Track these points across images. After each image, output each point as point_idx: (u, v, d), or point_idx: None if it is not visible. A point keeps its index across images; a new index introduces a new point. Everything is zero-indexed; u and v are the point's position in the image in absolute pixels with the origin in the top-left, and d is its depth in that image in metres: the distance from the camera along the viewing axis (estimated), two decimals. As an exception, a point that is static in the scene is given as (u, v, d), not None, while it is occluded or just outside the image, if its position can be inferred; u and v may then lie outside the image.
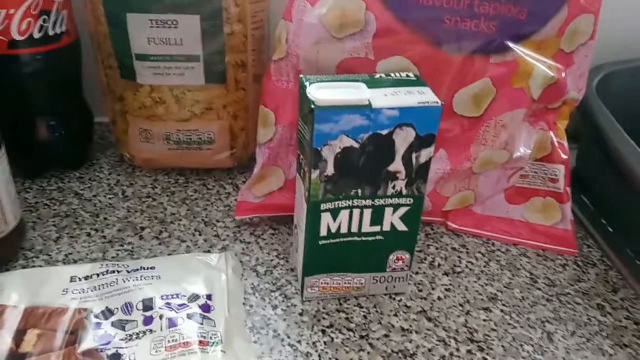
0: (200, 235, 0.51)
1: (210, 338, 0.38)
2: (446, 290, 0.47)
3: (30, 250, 0.48)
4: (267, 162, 0.50)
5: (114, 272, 0.42)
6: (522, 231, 0.54)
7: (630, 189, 0.48)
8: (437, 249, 0.52)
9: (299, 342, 0.41)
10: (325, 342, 0.42)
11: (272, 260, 0.49)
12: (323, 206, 0.40)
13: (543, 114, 0.51)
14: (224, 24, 0.51)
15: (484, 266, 0.50)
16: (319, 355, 0.40)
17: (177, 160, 0.57)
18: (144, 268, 0.43)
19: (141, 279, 0.42)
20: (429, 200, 0.52)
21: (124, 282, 0.41)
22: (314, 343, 0.41)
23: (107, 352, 0.36)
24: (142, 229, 0.51)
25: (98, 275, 0.42)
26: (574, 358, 0.42)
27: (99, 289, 0.41)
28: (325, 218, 0.40)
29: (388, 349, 0.41)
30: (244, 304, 0.44)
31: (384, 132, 0.37)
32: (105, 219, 0.52)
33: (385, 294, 0.46)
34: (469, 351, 0.42)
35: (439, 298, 0.46)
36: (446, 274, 0.49)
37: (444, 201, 0.53)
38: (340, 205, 0.40)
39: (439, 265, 0.50)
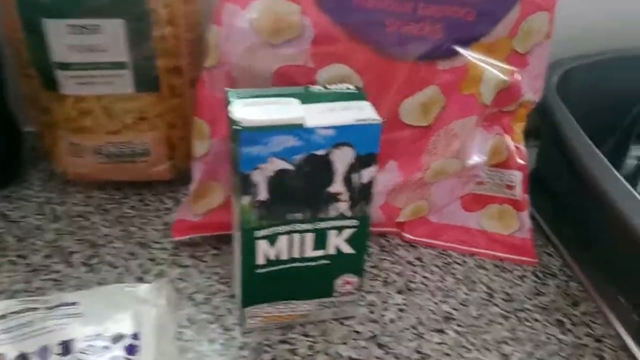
0: (134, 259, 0.47)
1: (134, 386, 0.34)
2: (399, 310, 0.44)
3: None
4: (204, 177, 0.46)
5: (32, 309, 0.38)
6: (480, 240, 0.51)
7: (587, 191, 0.46)
8: (392, 263, 0.49)
9: (238, 381, 0.38)
10: (266, 378, 0.38)
11: (211, 286, 0.45)
12: (257, 233, 0.36)
13: (498, 117, 0.49)
14: (153, 27, 0.47)
15: (440, 281, 0.48)
16: (259, 395, 0.37)
17: (111, 174, 0.53)
18: (65, 304, 0.39)
19: (62, 318, 0.37)
20: (381, 212, 0.49)
21: (43, 321, 0.37)
22: (254, 380, 0.38)
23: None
24: (71, 254, 0.47)
25: (14, 313, 0.38)
26: (531, 382, 0.40)
27: (14, 330, 0.37)
28: (262, 246, 0.37)
29: (335, 383, 0.38)
30: (178, 338, 0.40)
31: (320, 152, 0.34)
32: (32, 243, 0.48)
33: (334, 319, 0.43)
34: (421, 381, 0.39)
35: (391, 320, 0.44)
36: (400, 292, 0.46)
37: (396, 212, 0.49)
38: (277, 231, 0.37)
39: (393, 282, 0.47)
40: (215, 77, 0.43)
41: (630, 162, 0.61)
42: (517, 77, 0.45)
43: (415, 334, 0.43)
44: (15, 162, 0.56)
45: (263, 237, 0.37)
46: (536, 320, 0.44)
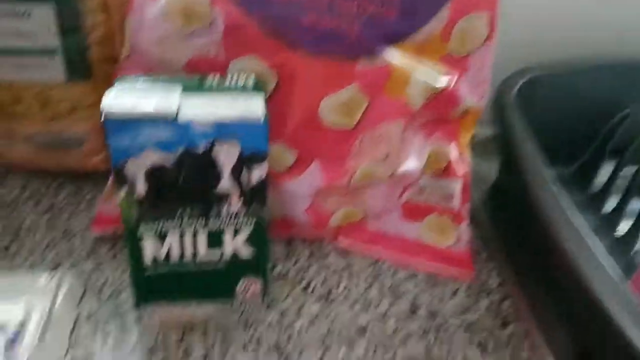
0: (51, 250, 0.46)
1: (0, 378, 0.33)
2: (312, 320, 0.42)
3: None
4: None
5: None
6: (416, 251, 0.49)
7: (535, 221, 0.43)
8: (318, 270, 0.47)
9: (121, 383, 0.37)
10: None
11: (123, 281, 0.44)
12: (142, 231, 0.35)
13: (439, 124, 0.46)
14: (85, 15, 0.46)
15: (364, 291, 0.45)
16: (138, 398, 0.36)
17: (45, 163, 0.52)
18: (-44, 291, 0.38)
19: (-54, 305, 0.37)
20: (308, 215, 0.47)
21: None
22: (137, 382, 0.37)
23: None
24: (-9, 240, 0.47)
25: None
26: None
27: None
28: (148, 244, 0.35)
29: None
30: (72, 332, 0.39)
31: (200, 148, 0.32)
32: (-48, 226, 0.48)
33: (240, 324, 0.41)
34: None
35: (300, 330, 0.41)
36: (319, 300, 0.44)
37: (327, 216, 0.47)
38: (164, 230, 0.35)
39: (314, 290, 0.45)
40: (132, 69, 0.41)
41: (599, 180, 0.58)
42: (453, 82, 0.42)
43: (321, 345, 0.40)
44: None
45: (149, 235, 0.35)
46: (457, 339, 0.42)
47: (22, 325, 0.36)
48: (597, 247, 0.37)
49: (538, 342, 0.41)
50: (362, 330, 0.42)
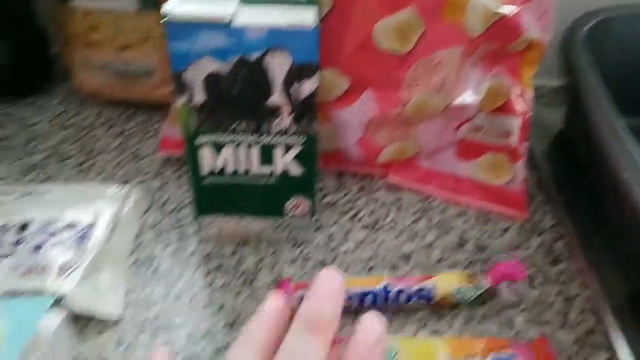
0: (121, 169, 0.50)
1: (72, 266, 0.37)
2: (358, 244, 0.43)
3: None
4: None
5: (7, 193, 0.42)
6: (469, 190, 0.48)
7: (603, 167, 0.41)
8: (366, 202, 0.48)
9: (176, 281, 0.40)
10: (204, 284, 0.39)
11: (185, 199, 0.46)
12: (200, 140, 0.37)
13: (500, 58, 0.45)
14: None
15: (411, 224, 0.46)
16: (192, 296, 0.39)
17: (120, 92, 0.56)
18: (37, 192, 0.42)
19: (28, 203, 0.41)
20: (359, 148, 0.47)
21: (12, 204, 0.41)
22: (192, 284, 0.39)
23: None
24: (68, 158, 0.51)
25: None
26: (473, 329, 0.37)
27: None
28: (206, 154, 0.38)
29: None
30: (136, 238, 0.43)
31: (253, 56, 0.33)
32: (36, 145, 0.52)
33: (290, 243, 0.43)
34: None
35: (345, 251, 0.43)
36: (365, 228, 0.45)
37: (377, 150, 0.48)
38: (220, 140, 0.37)
39: (361, 219, 0.46)
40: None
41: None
42: (516, 9, 0.41)
43: (363, 267, 0.41)
44: (43, 76, 0.61)
45: (206, 145, 0.37)
46: (503, 272, 0.41)
47: (91, 226, 0.40)
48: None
49: (589, 281, 0.40)
50: (406, 257, 0.42)
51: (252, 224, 0.42)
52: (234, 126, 0.36)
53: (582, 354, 0.36)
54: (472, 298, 0.37)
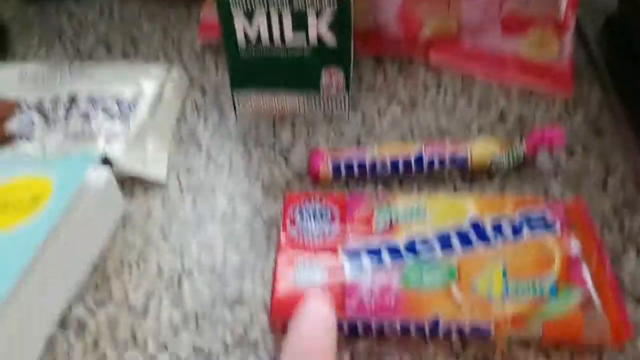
0: (165, 54, 0.51)
1: (118, 134, 0.39)
2: (393, 121, 0.43)
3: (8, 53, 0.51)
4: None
5: (59, 70, 0.44)
6: (513, 67, 0.46)
7: None
8: (405, 83, 0.47)
9: (216, 152, 0.41)
10: (242, 155, 0.41)
11: (224, 82, 0.47)
12: (233, 8, 0.37)
13: None
14: None
15: (451, 101, 0.45)
16: (231, 165, 0.40)
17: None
18: (85, 70, 0.44)
19: (77, 79, 0.43)
20: (398, 22, 0.46)
21: (62, 79, 0.43)
22: (230, 155, 0.41)
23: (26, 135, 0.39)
24: (114, 45, 0.52)
25: (43, 72, 0.44)
26: (508, 194, 0.37)
27: (39, 81, 0.43)
28: (240, 21, 0.38)
29: (304, 170, 0.40)
30: (178, 115, 0.44)
31: None
32: (85, 34, 0.54)
33: (325, 119, 0.44)
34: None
35: (381, 129, 0.43)
36: (403, 107, 0.45)
37: (418, 24, 0.46)
38: (253, 6, 0.37)
39: (399, 99, 0.45)
40: None
41: None
42: None
43: (401, 140, 0.42)
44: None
45: (239, 11, 0.37)
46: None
47: (136, 100, 0.42)
48: None
49: (633, 153, 0.39)
50: (443, 132, 0.42)
51: (288, 100, 0.42)
52: (265, -9, 0.36)
53: (619, 218, 0.35)
54: (509, 164, 0.37)
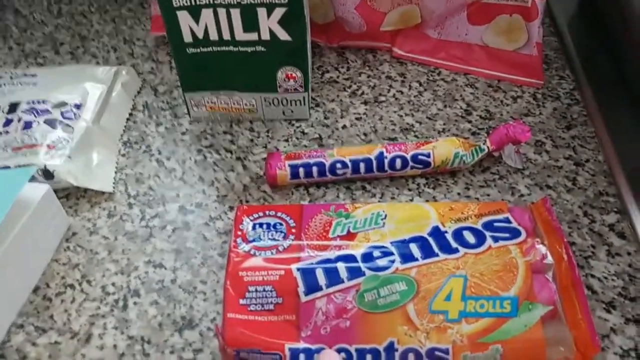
0: (114, 52, 0.48)
1: (60, 143, 0.36)
2: (356, 119, 0.41)
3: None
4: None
5: (-1, 76, 0.42)
6: (480, 58, 0.44)
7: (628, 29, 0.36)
8: (368, 77, 0.45)
9: (168, 158, 0.39)
10: (196, 161, 0.39)
11: (177, 81, 0.45)
12: (176, 2, 0.34)
13: None
14: None
15: (415, 96, 0.43)
16: (183, 172, 0.38)
17: (109, -25, 0.53)
18: (26, 75, 0.41)
19: (17, 85, 0.40)
20: (359, 17, 0.44)
21: (1, 87, 0.40)
22: (183, 161, 0.39)
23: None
24: (62, 44, 0.49)
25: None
26: (472, 195, 0.35)
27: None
28: (184, 19, 0.35)
29: (261, 171, 0.38)
30: (128, 119, 0.42)
31: None
32: (31, 34, 0.51)
33: (285, 120, 0.41)
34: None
35: (344, 127, 0.41)
36: (366, 102, 0.43)
37: (380, 18, 0.44)
38: (198, 2, 0.34)
39: (362, 94, 0.43)
40: None
41: None
42: None
43: (363, 140, 0.40)
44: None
45: (182, 8, 0.35)
46: (510, 139, 0.39)
47: (80, 106, 0.39)
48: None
49: (604, 145, 0.37)
50: (407, 130, 0.40)
51: (244, 101, 0.40)
52: (210, -14, 0.34)
53: (589, 216, 0.34)
54: (473, 162, 0.35)
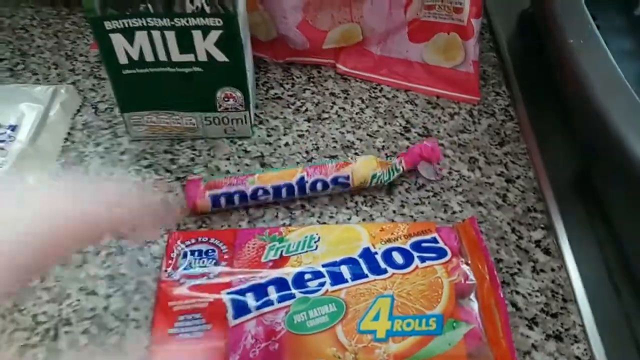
0: (56, 69, 0.47)
1: (-8, 167, 0.36)
2: (299, 136, 0.42)
3: None
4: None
5: None
6: (420, 75, 0.45)
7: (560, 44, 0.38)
8: (313, 93, 0.45)
9: (106, 180, 0.39)
10: (134, 183, 0.38)
11: (119, 98, 0.45)
12: (108, 25, 0.34)
13: None
14: None
15: (357, 113, 0.43)
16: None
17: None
18: (-41, 96, 0.40)
19: (-51, 106, 0.39)
20: (301, 35, 0.44)
21: None
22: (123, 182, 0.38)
23: None
24: (1, 60, 0.48)
25: None
26: (407, 212, 0.36)
27: None
28: (118, 41, 0.35)
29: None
30: (66, 139, 0.41)
31: None
32: (-32, 50, 0.50)
33: (227, 137, 0.41)
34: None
35: (286, 144, 0.41)
36: (309, 120, 0.43)
37: (321, 36, 0.45)
38: (131, 25, 0.34)
39: (306, 111, 0.44)
40: None
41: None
42: None
43: (304, 158, 0.40)
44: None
45: (116, 30, 0.34)
46: (445, 155, 0.40)
47: (15, 127, 0.38)
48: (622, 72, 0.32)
49: (535, 162, 0.39)
50: (348, 147, 0.41)
51: (184, 119, 0.40)
52: (142, 8, 0.33)
53: (517, 233, 0.35)
54: (389, 181, 0.36)
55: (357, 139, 0.41)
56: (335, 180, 0.36)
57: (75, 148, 0.41)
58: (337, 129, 0.42)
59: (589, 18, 0.37)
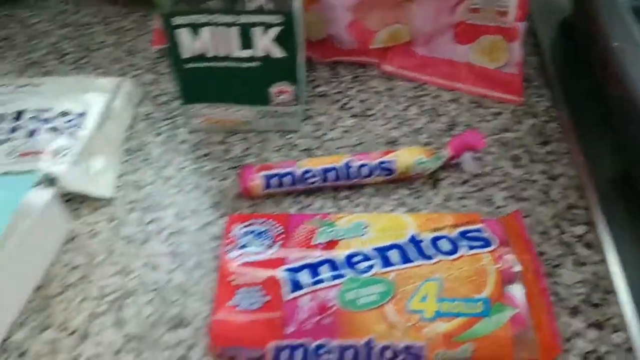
0: (117, 63, 0.50)
1: (64, 150, 0.38)
2: (345, 132, 0.43)
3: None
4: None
5: (3, 85, 0.44)
6: (464, 75, 0.47)
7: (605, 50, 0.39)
8: (358, 91, 0.47)
9: (165, 167, 0.41)
10: (193, 170, 0.41)
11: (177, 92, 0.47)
12: (176, 20, 0.37)
13: None
14: None
15: (402, 110, 0.45)
16: (179, 180, 0.40)
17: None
18: (31, 84, 0.44)
19: (23, 94, 0.42)
20: (350, 34, 0.46)
21: (9, 94, 0.42)
22: (180, 169, 0.41)
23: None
24: (66, 54, 0.52)
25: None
26: (452, 205, 0.37)
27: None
28: (184, 36, 0.37)
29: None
30: (130, 128, 0.44)
31: None
32: (36, 44, 0.53)
33: (277, 131, 0.43)
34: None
35: (332, 139, 0.43)
36: (354, 116, 0.45)
37: (370, 36, 0.46)
38: (198, 21, 0.37)
39: (352, 108, 0.46)
40: None
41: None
42: None
43: (349, 151, 0.42)
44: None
45: (183, 26, 0.37)
46: (490, 153, 0.41)
47: (83, 115, 0.41)
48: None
49: (577, 161, 0.40)
50: (393, 143, 0.42)
51: (239, 113, 0.42)
52: (210, 5, 0.36)
53: (559, 228, 0.36)
54: (435, 167, 0.38)
55: (402, 135, 0.43)
56: (380, 165, 0.37)
57: (138, 137, 0.43)
58: (382, 125, 0.44)
59: (632, 21, 0.38)
